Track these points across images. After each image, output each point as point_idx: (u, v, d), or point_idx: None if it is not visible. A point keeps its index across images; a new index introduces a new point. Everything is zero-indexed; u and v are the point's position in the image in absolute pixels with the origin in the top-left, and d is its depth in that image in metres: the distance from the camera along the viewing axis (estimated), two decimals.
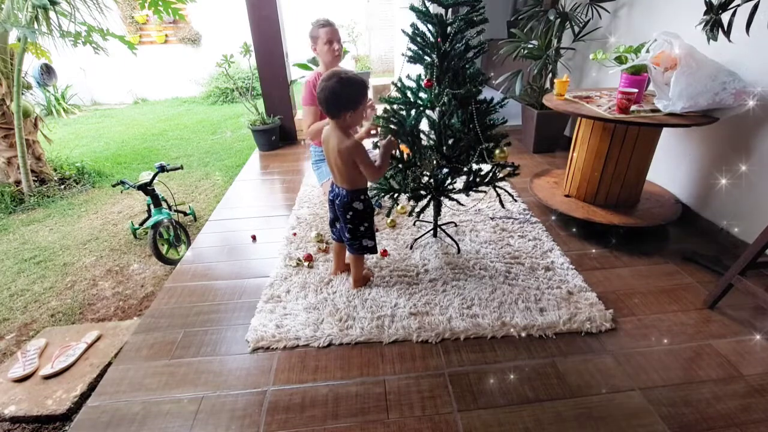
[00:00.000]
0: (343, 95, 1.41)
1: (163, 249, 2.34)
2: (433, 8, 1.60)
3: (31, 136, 3.42)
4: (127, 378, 1.42)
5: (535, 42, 3.04)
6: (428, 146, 1.78)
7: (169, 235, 2.38)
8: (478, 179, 1.81)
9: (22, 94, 3.27)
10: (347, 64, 6.60)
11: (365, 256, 1.82)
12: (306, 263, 1.95)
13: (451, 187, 1.86)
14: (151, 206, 2.43)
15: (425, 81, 1.67)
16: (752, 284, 1.48)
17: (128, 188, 2.36)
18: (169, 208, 2.57)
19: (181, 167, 2.53)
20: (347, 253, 1.77)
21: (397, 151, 1.82)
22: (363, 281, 1.80)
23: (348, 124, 1.49)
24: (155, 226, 2.27)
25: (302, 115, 2.49)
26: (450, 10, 1.61)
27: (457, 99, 1.63)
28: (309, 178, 2.93)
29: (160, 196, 2.45)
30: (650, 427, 1.20)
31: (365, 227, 1.65)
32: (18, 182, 3.33)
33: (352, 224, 1.62)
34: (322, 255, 2.03)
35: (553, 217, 2.32)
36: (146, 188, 2.38)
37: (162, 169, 2.43)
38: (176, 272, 2.01)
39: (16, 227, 2.91)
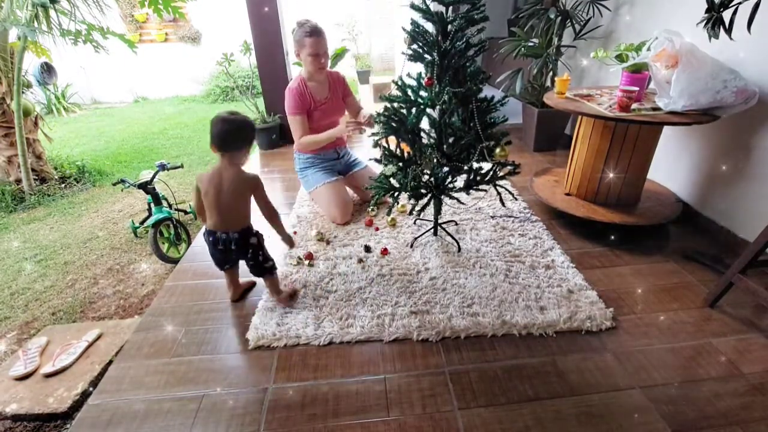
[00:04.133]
0: (247, 129, 1.48)
1: (164, 247, 2.34)
2: (434, 6, 1.60)
3: (31, 135, 3.42)
4: (128, 376, 1.42)
5: (535, 40, 3.04)
6: (429, 145, 1.78)
7: (169, 233, 2.39)
8: (478, 178, 1.81)
9: (23, 92, 3.27)
10: (347, 63, 6.59)
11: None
12: (306, 262, 1.95)
13: (451, 185, 1.86)
14: (152, 205, 2.43)
15: (426, 79, 1.67)
16: (753, 283, 1.48)
17: (129, 187, 2.36)
18: (170, 206, 2.57)
19: (182, 166, 2.53)
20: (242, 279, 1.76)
21: (398, 149, 1.82)
22: (288, 296, 1.72)
23: (244, 161, 1.52)
24: (156, 224, 2.27)
25: (291, 125, 2.29)
26: (451, 8, 1.61)
27: (457, 97, 1.63)
28: None
29: (160, 195, 2.45)
30: (650, 425, 1.20)
31: (262, 253, 1.62)
32: (18, 181, 3.34)
33: (254, 259, 1.60)
34: (323, 253, 2.03)
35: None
36: (147, 187, 2.39)
37: (162, 167, 2.43)
38: (177, 271, 2.01)
39: (17, 226, 2.91)
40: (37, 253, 2.54)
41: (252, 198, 1.56)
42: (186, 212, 2.82)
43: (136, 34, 7.08)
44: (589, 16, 2.84)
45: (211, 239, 1.56)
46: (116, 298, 2.12)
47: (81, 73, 6.91)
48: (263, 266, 1.63)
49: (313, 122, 2.32)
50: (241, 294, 1.78)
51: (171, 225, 2.39)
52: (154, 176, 2.42)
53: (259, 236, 1.61)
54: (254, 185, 1.53)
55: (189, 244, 2.39)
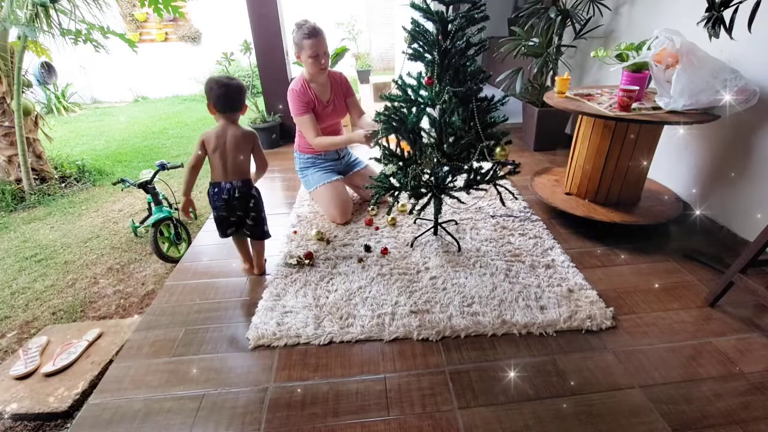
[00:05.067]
0: (244, 90, 1.67)
1: (164, 247, 2.34)
2: (434, 5, 1.60)
3: (31, 135, 3.41)
4: (128, 376, 1.42)
5: (535, 39, 3.03)
6: (429, 144, 1.77)
7: (169, 233, 2.39)
8: (478, 177, 1.81)
9: (23, 92, 3.26)
10: (347, 63, 6.58)
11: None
12: (307, 261, 1.95)
13: (451, 185, 1.86)
14: (152, 204, 2.43)
15: (426, 79, 1.67)
16: (753, 282, 1.48)
17: (129, 186, 2.37)
18: (170, 206, 2.57)
19: (182, 165, 2.52)
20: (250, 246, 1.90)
21: (398, 149, 1.82)
22: (260, 272, 1.93)
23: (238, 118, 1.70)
24: (156, 223, 2.27)
25: (301, 126, 2.27)
26: (451, 7, 1.60)
27: (457, 97, 1.63)
28: None
29: (160, 194, 2.45)
30: (651, 424, 1.20)
31: (263, 213, 1.80)
32: (19, 180, 3.34)
33: (256, 212, 1.75)
34: (323, 253, 2.03)
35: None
36: (147, 186, 2.39)
37: (162, 167, 2.43)
38: (177, 270, 2.01)
39: (17, 225, 2.91)
40: (38, 253, 2.54)
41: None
42: None
43: (136, 33, 7.08)
44: (590, 16, 2.83)
45: (216, 190, 1.68)
46: (116, 297, 2.12)
47: (81, 73, 6.91)
48: (263, 228, 1.80)
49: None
50: (250, 268, 1.89)
51: (171, 224, 2.39)
52: (154, 176, 2.42)
53: (258, 191, 1.76)
54: (254, 139, 1.72)
55: (189, 243, 2.39)
